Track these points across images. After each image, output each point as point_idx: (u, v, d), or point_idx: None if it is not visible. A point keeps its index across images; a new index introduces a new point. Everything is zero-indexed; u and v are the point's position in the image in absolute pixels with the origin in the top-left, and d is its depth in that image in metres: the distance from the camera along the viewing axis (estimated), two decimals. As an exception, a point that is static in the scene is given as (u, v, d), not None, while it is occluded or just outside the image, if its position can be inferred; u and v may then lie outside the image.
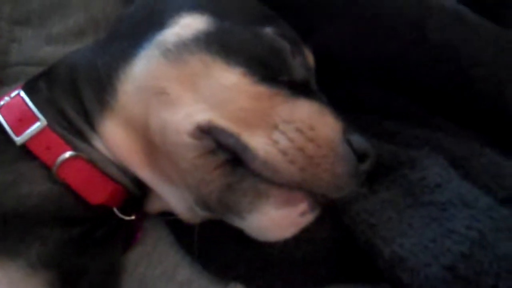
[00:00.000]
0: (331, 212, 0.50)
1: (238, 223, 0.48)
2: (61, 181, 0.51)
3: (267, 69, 0.50)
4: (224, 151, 0.47)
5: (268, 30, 0.53)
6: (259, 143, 0.46)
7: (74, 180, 0.51)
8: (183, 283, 0.57)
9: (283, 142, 0.45)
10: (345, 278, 0.52)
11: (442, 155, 0.54)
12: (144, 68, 0.51)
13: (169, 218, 0.56)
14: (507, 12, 0.69)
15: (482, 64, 0.62)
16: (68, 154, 0.51)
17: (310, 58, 0.57)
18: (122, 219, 0.54)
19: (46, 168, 0.51)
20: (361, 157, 0.48)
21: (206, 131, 0.47)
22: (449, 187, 0.48)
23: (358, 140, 0.48)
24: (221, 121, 0.47)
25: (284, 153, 0.45)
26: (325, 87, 0.59)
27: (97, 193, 0.51)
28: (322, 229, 0.51)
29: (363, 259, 0.48)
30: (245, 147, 0.46)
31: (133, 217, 0.55)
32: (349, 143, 0.47)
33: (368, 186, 0.50)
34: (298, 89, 0.51)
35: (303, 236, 0.49)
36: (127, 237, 0.58)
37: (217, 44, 0.50)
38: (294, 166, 0.45)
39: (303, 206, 0.47)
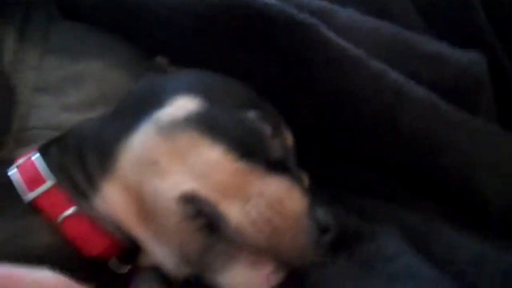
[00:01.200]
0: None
1: (214, 280, 0.55)
2: (62, 235, 0.57)
3: (247, 148, 0.58)
4: (203, 217, 0.54)
5: (251, 114, 0.61)
6: (232, 212, 0.54)
7: (74, 234, 0.58)
8: None
9: (254, 213, 0.53)
10: None
11: (406, 231, 0.61)
12: (141, 141, 0.60)
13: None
14: (481, 100, 0.76)
15: (452, 151, 0.69)
16: (70, 211, 0.58)
17: (289, 139, 0.66)
18: (115, 272, 0.61)
19: (50, 222, 0.58)
20: (323, 230, 0.54)
21: (189, 199, 0.55)
22: (400, 259, 0.55)
23: (322, 214, 0.56)
24: (203, 191, 0.55)
25: (253, 223, 0.53)
26: (307, 164, 0.67)
27: (94, 246, 0.58)
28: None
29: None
30: (221, 216, 0.54)
31: (126, 270, 0.62)
32: (313, 217, 0.54)
33: (332, 255, 0.56)
34: (274, 166, 0.58)
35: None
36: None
37: (205, 124, 0.59)
38: (261, 235, 0.53)
39: (268, 269, 0.54)
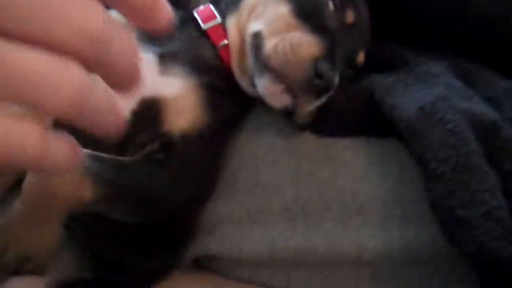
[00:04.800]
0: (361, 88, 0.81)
1: (256, 86, 0.76)
2: (219, 55, 0.83)
3: (306, 13, 0.77)
4: (257, 46, 0.76)
5: None
6: (269, 43, 0.74)
7: (224, 55, 0.83)
8: None
9: (280, 47, 0.72)
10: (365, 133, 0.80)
11: (455, 67, 0.81)
12: None
13: None
14: None
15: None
16: (225, 41, 0.83)
17: (350, 17, 0.83)
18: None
19: (214, 46, 0.83)
20: (318, 76, 0.71)
21: (256, 36, 0.76)
22: (443, 77, 0.76)
23: (323, 65, 0.71)
24: (264, 32, 0.76)
25: (275, 51, 0.73)
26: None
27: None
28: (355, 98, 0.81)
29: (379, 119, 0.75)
30: (263, 44, 0.75)
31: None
32: (314, 64, 0.71)
33: (319, 96, 0.73)
34: (320, 29, 0.76)
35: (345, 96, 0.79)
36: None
37: None
38: (278, 59, 0.72)
39: (280, 88, 0.73)
